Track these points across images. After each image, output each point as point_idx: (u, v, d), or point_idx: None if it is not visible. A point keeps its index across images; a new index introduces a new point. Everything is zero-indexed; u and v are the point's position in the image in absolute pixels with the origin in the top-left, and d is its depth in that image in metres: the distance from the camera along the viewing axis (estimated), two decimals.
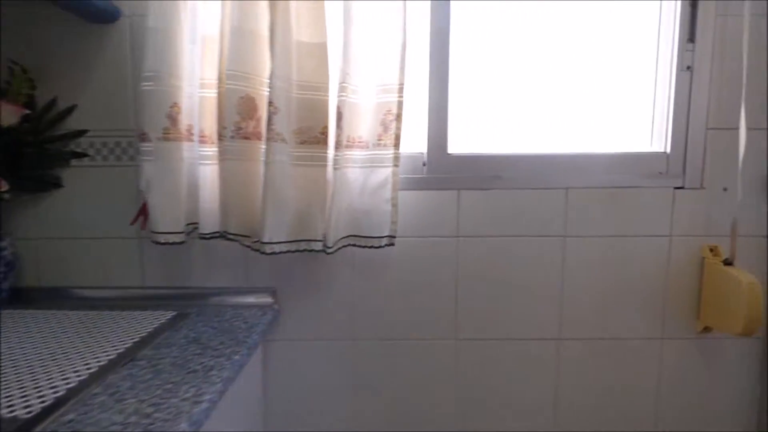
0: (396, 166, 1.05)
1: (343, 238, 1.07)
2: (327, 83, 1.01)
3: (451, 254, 1.16)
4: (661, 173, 1.17)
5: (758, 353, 1.19)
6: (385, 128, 1.05)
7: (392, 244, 1.08)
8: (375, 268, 1.16)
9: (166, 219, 1.02)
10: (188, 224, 1.06)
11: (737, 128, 1.09)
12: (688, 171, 1.15)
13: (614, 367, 1.19)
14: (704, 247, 1.16)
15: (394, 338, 1.18)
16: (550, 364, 1.19)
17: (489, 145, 1.19)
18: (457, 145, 1.17)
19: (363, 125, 1.05)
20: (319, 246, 1.04)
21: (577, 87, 1.20)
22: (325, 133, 1.03)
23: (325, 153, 1.03)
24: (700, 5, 1.10)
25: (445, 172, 1.16)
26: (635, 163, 1.17)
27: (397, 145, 1.05)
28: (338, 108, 1.00)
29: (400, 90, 1.03)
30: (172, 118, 1.00)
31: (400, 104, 1.03)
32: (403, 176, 1.13)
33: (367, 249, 1.08)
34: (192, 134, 1.04)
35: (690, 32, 1.12)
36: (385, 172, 1.06)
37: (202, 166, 1.04)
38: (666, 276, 1.17)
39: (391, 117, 1.04)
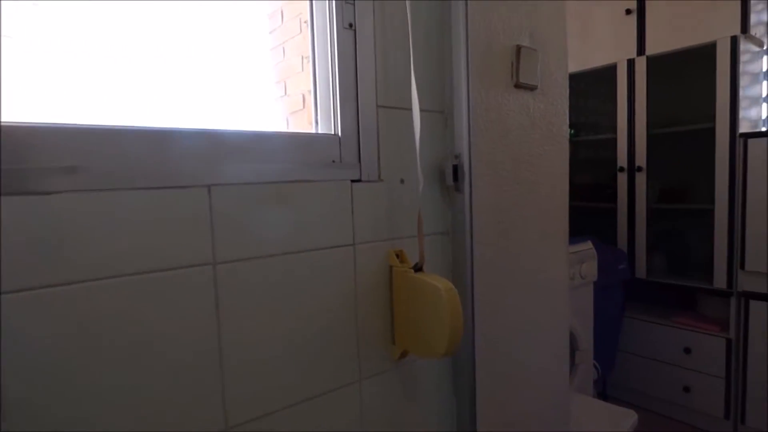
0: None
1: None
2: None
3: None
4: (334, 161, 0.88)
5: (448, 367, 1.05)
6: None
7: None
8: None
9: None
10: None
11: (410, 108, 0.90)
12: (363, 159, 0.90)
13: None
14: (390, 253, 0.94)
15: None
16: None
17: (53, 111, 0.64)
18: None
19: None
20: None
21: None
22: None
23: None
24: None
25: None
26: (302, 148, 0.84)
27: None
28: None
29: None
30: None
31: None
32: None
33: None
34: None
35: None
36: None
37: None
38: (355, 297, 0.89)
39: None
